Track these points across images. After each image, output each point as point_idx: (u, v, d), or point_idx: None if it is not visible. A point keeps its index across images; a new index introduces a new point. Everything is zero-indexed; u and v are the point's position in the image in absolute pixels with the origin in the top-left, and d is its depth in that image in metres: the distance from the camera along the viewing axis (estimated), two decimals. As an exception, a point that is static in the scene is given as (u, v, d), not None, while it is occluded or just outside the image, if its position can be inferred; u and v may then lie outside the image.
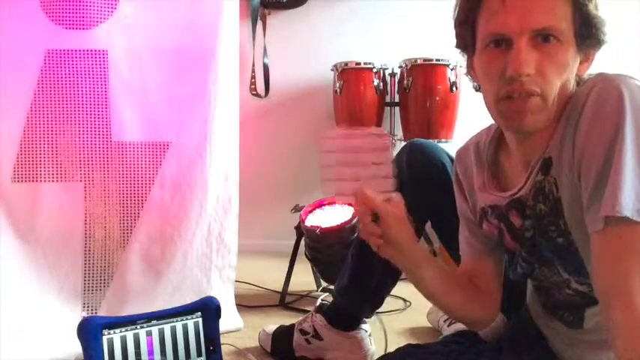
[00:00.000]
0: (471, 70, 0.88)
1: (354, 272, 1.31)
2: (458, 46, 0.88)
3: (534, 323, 1.04)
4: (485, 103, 0.85)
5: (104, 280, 1.46)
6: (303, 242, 1.86)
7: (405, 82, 2.48)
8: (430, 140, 1.28)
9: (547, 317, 0.98)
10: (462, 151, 1.02)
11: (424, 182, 1.21)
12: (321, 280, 1.90)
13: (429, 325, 1.57)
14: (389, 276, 1.32)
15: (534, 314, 1.04)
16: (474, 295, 1.01)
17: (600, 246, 0.74)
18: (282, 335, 1.38)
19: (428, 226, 1.31)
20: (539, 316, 1.02)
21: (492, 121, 0.93)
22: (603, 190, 0.72)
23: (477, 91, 0.89)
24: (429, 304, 1.41)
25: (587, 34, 0.78)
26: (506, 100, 0.78)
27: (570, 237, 0.82)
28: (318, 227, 1.74)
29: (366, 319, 1.34)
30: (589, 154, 0.74)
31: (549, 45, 0.76)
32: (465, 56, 0.88)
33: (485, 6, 0.79)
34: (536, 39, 0.76)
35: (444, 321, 1.47)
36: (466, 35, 0.84)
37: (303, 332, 1.35)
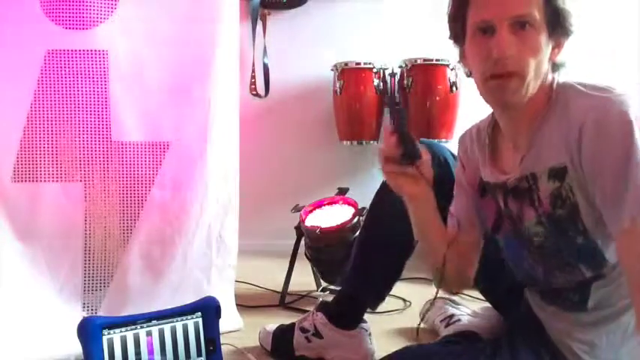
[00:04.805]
0: (463, 58, 1.01)
1: (358, 265, 1.33)
2: (451, 37, 1.02)
3: (532, 313, 1.07)
4: (475, 83, 0.97)
5: (104, 280, 1.46)
6: (303, 242, 1.86)
7: (405, 82, 2.48)
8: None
9: (546, 303, 1.03)
10: (465, 135, 1.13)
11: None
12: (321, 280, 1.90)
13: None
14: (392, 269, 1.33)
15: (532, 302, 1.08)
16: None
17: (629, 244, 0.81)
18: (283, 334, 1.38)
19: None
20: (537, 303, 1.06)
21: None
22: (625, 189, 0.80)
23: (468, 76, 1.02)
24: (429, 304, 1.41)
25: (557, 24, 0.91)
26: (491, 79, 0.91)
27: (589, 235, 0.90)
28: (318, 227, 1.74)
29: (368, 314, 1.35)
30: (602, 156, 0.83)
31: (525, 31, 0.89)
32: (457, 47, 1.01)
33: (472, 2, 0.93)
34: (515, 26, 0.89)
35: (440, 322, 1.47)
36: (457, 28, 0.97)
37: (303, 330, 1.35)
